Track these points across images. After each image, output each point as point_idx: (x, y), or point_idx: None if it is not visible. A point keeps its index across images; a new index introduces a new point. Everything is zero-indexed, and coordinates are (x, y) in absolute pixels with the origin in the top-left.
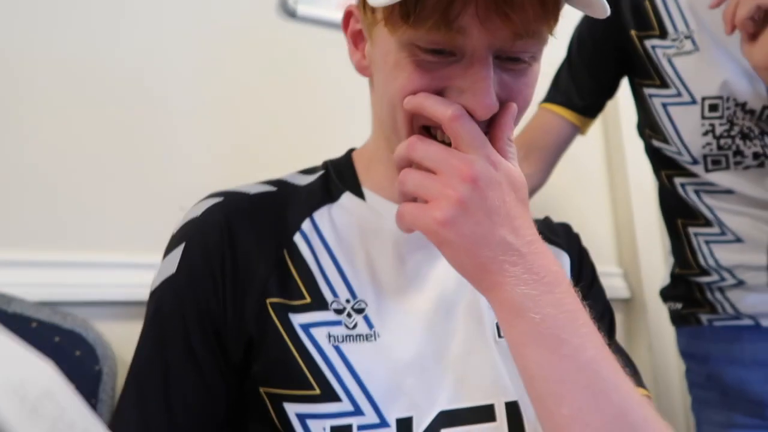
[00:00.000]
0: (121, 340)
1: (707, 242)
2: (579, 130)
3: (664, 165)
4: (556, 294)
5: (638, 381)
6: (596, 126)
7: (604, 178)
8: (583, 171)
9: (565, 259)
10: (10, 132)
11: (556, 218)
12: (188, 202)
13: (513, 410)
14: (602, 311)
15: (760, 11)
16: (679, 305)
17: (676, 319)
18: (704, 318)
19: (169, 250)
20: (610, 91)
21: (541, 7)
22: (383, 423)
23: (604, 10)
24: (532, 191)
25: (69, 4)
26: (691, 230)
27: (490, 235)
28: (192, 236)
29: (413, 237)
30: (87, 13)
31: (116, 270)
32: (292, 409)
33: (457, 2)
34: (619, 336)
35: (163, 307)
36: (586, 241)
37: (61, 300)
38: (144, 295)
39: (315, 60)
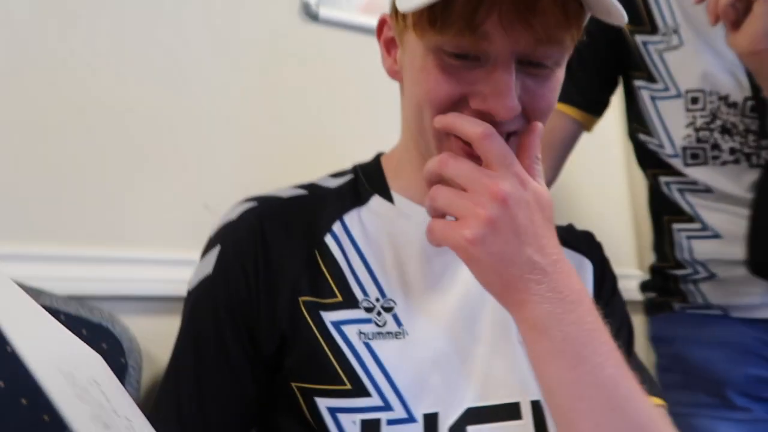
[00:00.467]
0: (146, 334)
1: (688, 237)
2: (583, 126)
3: (650, 164)
4: (579, 312)
5: (654, 391)
6: (616, 127)
7: (623, 180)
8: (602, 172)
9: (587, 267)
10: (38, 126)
11: (576, 220)
12: (213, 200)
13: (538, 409)
14: (620, 324)
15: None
16: (653, 295)
17: (651, 308)
18: (677, 305)
19: (205, 251)
20: (609, 86)
21: (563, 15)
22: (411, 418)
23: (622, 18)
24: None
25: (99, 2)
26: (675, 226)
27: (518, 254)
28: (227, 239)
29: None
30: (119, 11)
31: (142, 265)
32: (323, 403)
33: (481, 9)
34: (639, 340)
35: (199, 305)
36: (605, 244)
37: (89, 294)
38: (170, 290)
39: (338, 62)
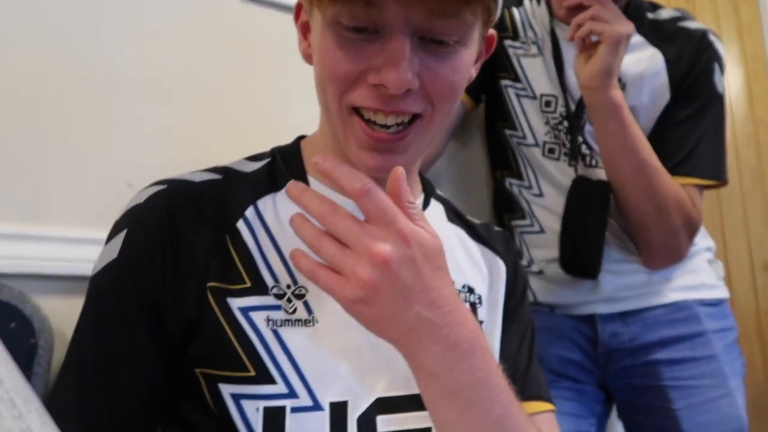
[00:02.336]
0: (59, 314)
1: (522, 233)
2: (465, 108)
3: (500, 165)
4: (470, 361)
5: (546, 395)
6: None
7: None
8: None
9: (501, 268)
10: None
11: None
12: (137, 180)
13: None
14: (526, 328)
15: (591, 34)
16: None
17: None
18: None
19: (111, 236)
20: (483, 82)
21: None
22: (317, 406)
23: None
24: (434, 159)
25: None
26: (513, 223)
27: (405, 313)
28: (134, 223)
29: None
30: None
31: (57, 243)
32: (227, 389)
33: None
34: None
35: (103, 291)
36: None
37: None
38: (88, 270)
39: (270, 44)
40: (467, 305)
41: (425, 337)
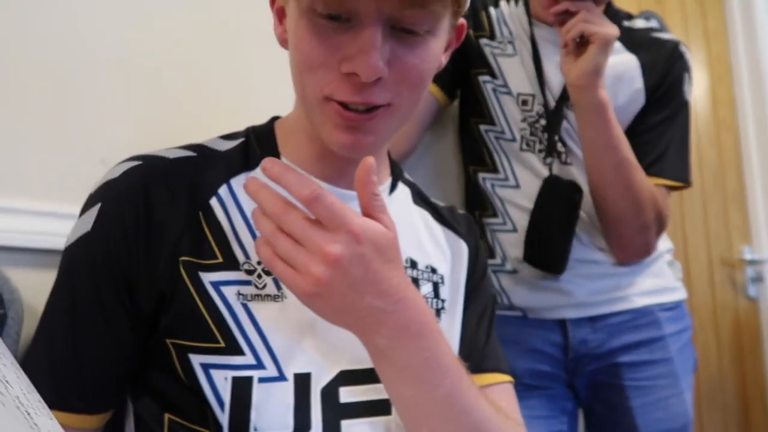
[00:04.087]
0: (30, 287)
1: (492, 231)
2: (439, 104)
3: (473, 161)
4: (420, 342)
5: (503, 367)
6: None
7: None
8: None
9: (464, 249)
10: None
11: None
12: (111, 156)
13: None
14: (485, 305)
15: (581, 35)
16: None
17: None
18: None
19: (85, 209)
20: (458, 79)
21: None
22: (281, 377)
23: None
24: (408, 153)
25: None
26: (485, 221)
27: (356, 304)
28: (108, 196)
29: None
30: None
31: (28, 216)
32: (196, 359)
33: None
34: None
35: (76, 262)
36: None
37: None
38: (59, 243)
39: (246, 24)
40: (430, 285)
41: (376, 322)
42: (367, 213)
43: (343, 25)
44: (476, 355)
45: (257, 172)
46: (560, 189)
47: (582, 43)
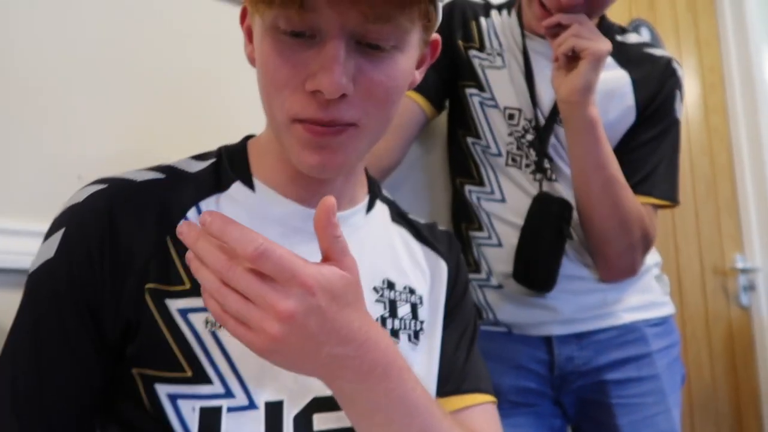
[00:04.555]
0: (2, 307)
1: (478, 245)
2: (426, 115)
3: (460, 173)
4: (386, 383)
5: (486, 387)
6: None
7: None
8: None
9: (443, 268)
10: None
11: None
12: (88, 173)
13: None
14: (466, 325)
15: (572, 50)
16: None
17: None
18: None
19: (49, 234)
20: (446, 90)
21: None
22: (252, 405)
23: None
24: (393, 166)
25: None
26: (471, 234)
27: (316, 354)
28: (72, 221)
29: (302, 230)
30: None
31: (2, 235)
32: (163, 390)
33: None
34: None
35: (39, 290)
36: None
37: None
38: (28, 263)
39: (224, 39)
40: (408, 306)
41: (340, 368)
42: (327, 256)
43: (307, 42)
44: (455, 375)
45: (228, 194)
46: (551, 206)
47: (573, 57)
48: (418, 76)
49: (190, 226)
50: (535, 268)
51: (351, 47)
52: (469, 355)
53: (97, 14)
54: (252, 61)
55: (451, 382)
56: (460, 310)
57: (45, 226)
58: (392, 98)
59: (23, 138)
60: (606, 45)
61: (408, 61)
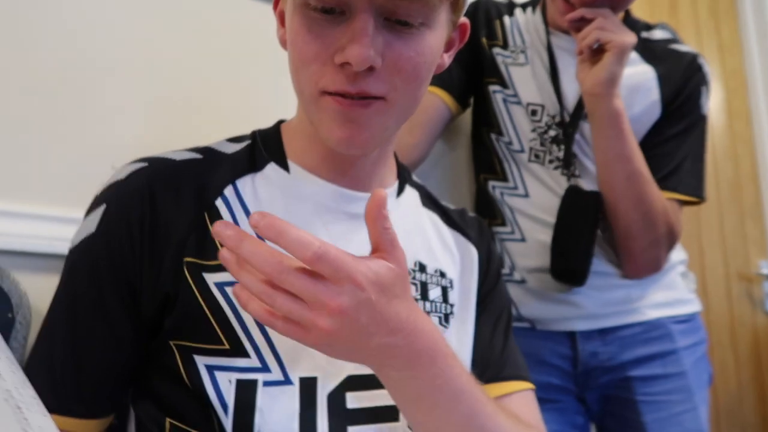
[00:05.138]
0: (37, 291)
1: (501, 240)
2: (451, 112)
3: (483, 169)
4: (432, 369)
5: (524, 374)
6: None
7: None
8: None
9: (473, 254)
10: None
11: None
12: (120, 160)
13: None
14: (500, 312)
15: (597, 42)
16: None
17: None
18: None
19: (90, 210)
20: (472, 87)
21: None
22: (287, 381)
23: None
24: (418, 162)
25: None
26: (494, 229)
27: (366, 345)
28: (113, 198)
29: (336, 208)
30: None
31: (38, 221)
32: (201, 360)
33: None
34: None
35: (79, 264)
36: None
37: None
38: (66, 248)
39: (253, 29)
40: (438, 289)
41: (388, 357)
42: (376, 247)
43: (337, 18)
44: (494, 362)
45: (263, 174)
46: (586, 199)
47: (598, 50)
48: (447, 59)
49: (226, 226)
50: (573, 262)
51: (379, 23)
52: (507, 341)
53: (128, 6)
54: (283, 44)
55: (490, 369)
56: (495, 296)
57: (78, 213)
58: (420, 74)
59: (57, 127)
60: (630, 38)
61: (436, 39)
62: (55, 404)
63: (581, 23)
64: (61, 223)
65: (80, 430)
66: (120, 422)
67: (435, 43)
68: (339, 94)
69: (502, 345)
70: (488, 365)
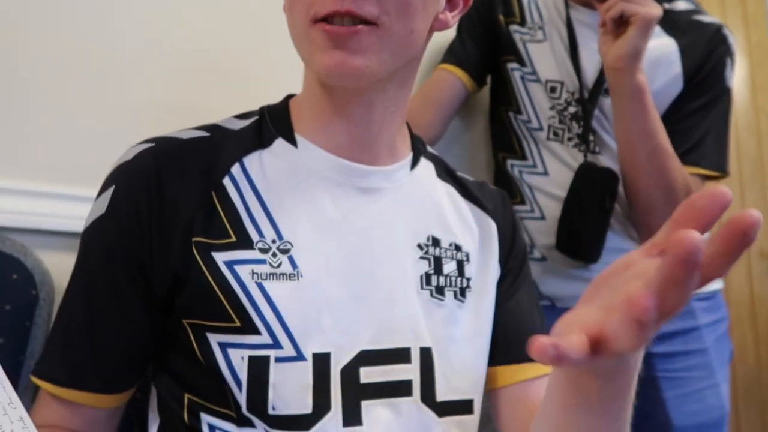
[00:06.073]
0: (59, 269)
1: (521, 218)
2: (467, 90)
3: (502, 147)
4: None
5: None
6: None
7: None
8: None
9: (491, 225)
10: None
11: None
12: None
13: (426, 355)
14: (532, 287)
15: (621, 15)
16: None
17: None
18: None
19: (100, 192)
20: (488, 65)
21: None
22: (300, 356)
23: None
24: (434, 140)
25: None
26: (513, 208)
27: None
28: (121, 179)
29: (346, 182)
30: None
31: (59, 200)
32: (214, 338)
33: None
34: None
35: (92, 244)
36: None
37: (4, 225)
38: (80, 226)
39: (263, 12)
40: (453, 263)
41: None
42: None
43: None
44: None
45: (270, 150)
46: (596, 176)
47: (622, 22)
48: (451, 19)
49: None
50: (578, 238)
51: None
52: (542, 321)
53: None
54: (285, 8)
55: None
56: (526, 271)
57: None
58: (408, 10)
59: (78, 109)
60: (656, 10)
61: None
62: (71, 378)
63: None
64: (81, 202)
65: (97, 404)
66: (143, 396)
67: None
68: (329, 16)
69: (540, 322)
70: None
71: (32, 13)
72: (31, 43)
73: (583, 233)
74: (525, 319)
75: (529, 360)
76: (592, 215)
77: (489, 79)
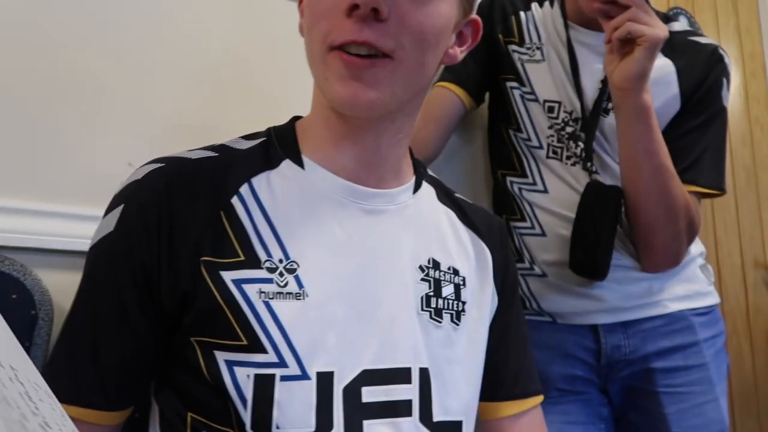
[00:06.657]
0: (59, 288)
1: (520, 235)
2: (466, 107)
3: (501, 165)
4: None
5: (535, 388)
6: None
7: None
8: None
9: (486, 252)
10: None
11: None
12: (138, 160)
13: (425, 375)
14: (518, 323)
15: (628, 35)
16: None
17: None
18: None
19: (109, 209)
20: (487, 84)
21: None
22: (304, 375)
23: None
24: (433, 156)
25: None
26: (513, 224)
27: None
28: (131, 198)
29: (351, 204)
30: None
31: (59, 219)
32: (221, 356)
33: None
34: None
35: (98, 263)
36: None
37: (2, 245)
38: (85, 246)
39: (274, 30)
40: (451, 286)
41: None
42: None
43: None
44: (523, 378)
45: (278, 171)
46: (607, 194)
47: (627, 41)
48: (459, 54)
49: None
50: (594, 256)
51: None
52: (526, 355)
53: (147, 7)
54: (302, 31)
55: (519, 384)
56: (516, 303)
57: (99, 211)
58: (426, 36)
59: (77, 127)
60: (663, 31)
61: (445, 8)
62: (74, 396)
63: (611, 7)
64: (81, 221)
65: (99, 421)
66: (141, 416)
67: (444, 11)
68: (346, 44)
69: (531, 360)
70: (517, 380)
71: (36, 35)
72: (30, 64)
73: (598, 251)
74: (510, 359)
75: (515, 398)
76: (608, 233)
77: (487, 96)
